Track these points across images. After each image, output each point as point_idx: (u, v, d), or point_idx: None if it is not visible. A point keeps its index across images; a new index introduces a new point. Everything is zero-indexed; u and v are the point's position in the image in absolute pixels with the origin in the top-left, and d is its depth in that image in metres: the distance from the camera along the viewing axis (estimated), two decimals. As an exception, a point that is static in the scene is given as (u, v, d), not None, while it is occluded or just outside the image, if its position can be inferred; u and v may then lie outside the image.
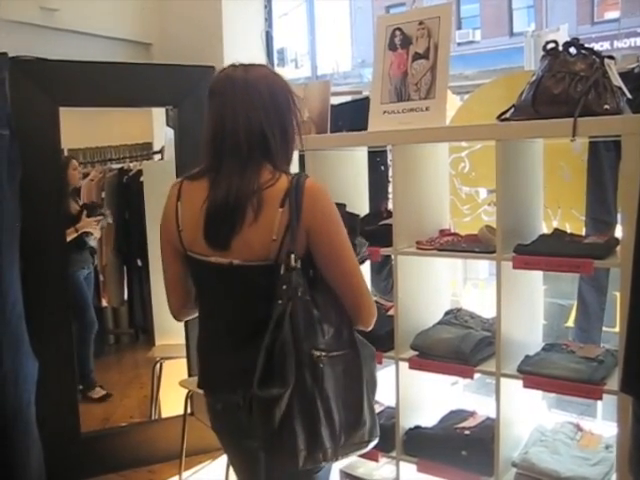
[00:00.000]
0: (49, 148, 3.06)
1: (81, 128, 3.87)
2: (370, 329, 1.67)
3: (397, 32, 2.47)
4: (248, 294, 1.62)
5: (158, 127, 4.42)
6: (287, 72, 3.59)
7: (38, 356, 2.62)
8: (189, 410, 3.20)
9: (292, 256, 1.54)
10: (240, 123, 1.58)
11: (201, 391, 1.76)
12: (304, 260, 1.57)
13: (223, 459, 3.31)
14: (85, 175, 4.57)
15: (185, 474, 3.26)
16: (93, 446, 3.25)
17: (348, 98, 3.28)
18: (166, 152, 3.98)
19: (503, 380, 2.17)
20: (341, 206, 1.84)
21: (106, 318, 4.90)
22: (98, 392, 3.75)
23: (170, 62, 3.42)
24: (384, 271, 2.99)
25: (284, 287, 1.54)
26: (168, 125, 3.75)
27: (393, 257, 2.39)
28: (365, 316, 1.64)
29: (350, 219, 1.79)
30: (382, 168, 3.07)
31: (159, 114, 4.34)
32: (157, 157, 4.48)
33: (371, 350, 1.69)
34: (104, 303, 4.60)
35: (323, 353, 1.53)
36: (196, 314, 1.79)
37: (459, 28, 13.79)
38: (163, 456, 3.34)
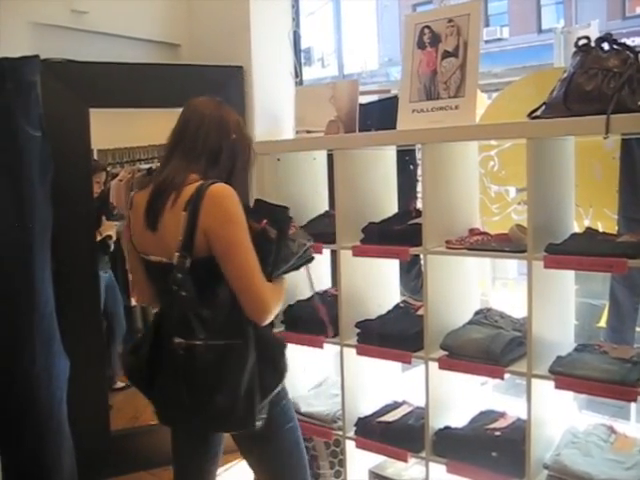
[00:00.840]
0: (79, 149, 3.08)
1: (110, 129, 3.88)
2: (263, 325, 1.80)
3: (426, 30, 2.46)
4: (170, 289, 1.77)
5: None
6: (313, 71, 3.59)
7: (69, 355, 2.65)
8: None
9: (176, 255, 1.73)
10: (200, 137, 1.85)
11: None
12: (207, 258, 1.74)
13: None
14: (114, 176, 4.62)
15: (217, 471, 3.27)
16: (123, 444, 3.28)
17: (374, 97, 3.27)
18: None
19: (534, 381, 2.15)
20: (272, 208, 1.97)
21: (135, 317, 4.95)
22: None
23: (198, 63, 3.43)
24: (413, 270, 2.97)
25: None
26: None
27: (423, 256, 2.37)
28: (254, 312, 1.76)
29: (280, 221, 1.87)
30: (411, 167, 3.05)
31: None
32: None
33: (279, 344, 1.89)
34: (133, 302, 4.64)
35: (193, 342, 1.71)
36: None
37: (487, 25, 13.67)
38: (192, 455, 3.36)
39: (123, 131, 4.45)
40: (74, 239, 3.01)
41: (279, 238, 1.83)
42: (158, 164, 3.93)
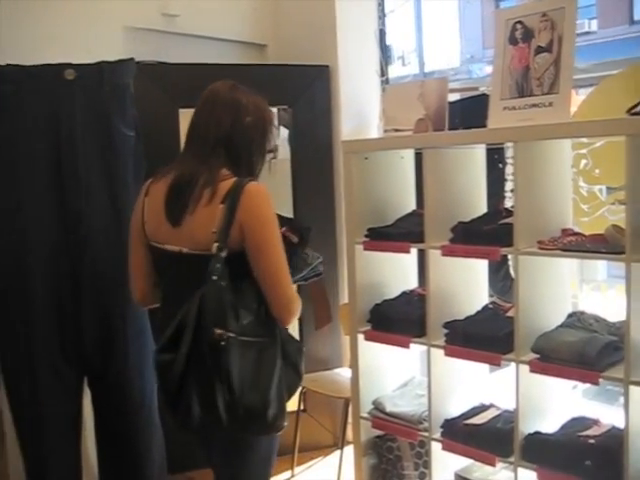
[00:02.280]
0: (170, 149, 3.15)
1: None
2: (287, 326, 1.82)
3: (518, 25, 2.40)
4: (193, 280, 1.75)
5: (269, 127, 4.50)
6: (394, 70, 3.57)
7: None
8: (302, 407, 3.24)
9: (215, 245, 1.73)
10: (212, 121, 1.85)
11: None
12: (239, 255, 1.76)
13: (335, 456, 3.34)
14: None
15: (297, 469, 3.31)
16: (209, 437, 3.34)
17: (456, 95, 3.22)
18: (280, 151, 4.04)
19: (632, 388, 2.06)
20: (290, 220, 1.98)
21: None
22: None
23: (284, 62, 3.47)
24: (501, 271, 2.91)
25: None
26: (282, 124, 3.81)
27: (512, 257, 2.32)
28: (280, 312, 1.78)
29: (301, 232, 1.89)
30: (500, 166, 2.99)
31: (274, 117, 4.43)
32: (268, 156, 4.56)
33: (298, 345, 1.86)
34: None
35: (230, 334, 1.68)
36: (157, 302, 2.00)
37: (574, 19, 13.22)
38: (276, 450, 3.40)
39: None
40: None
41: (300, 244, 1.87)
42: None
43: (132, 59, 2.61)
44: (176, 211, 1.81)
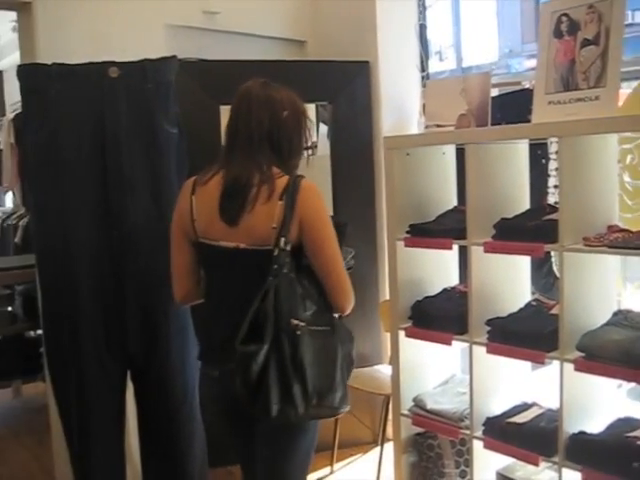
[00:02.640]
0: (210, 145, 3.17)
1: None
2: (346, 314, 1.90)
3: (563, 18, 2.36)
4: (249, 274, 1.85)
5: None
6: (431, 65, 3.55)
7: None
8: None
9: (282, 239, 1.80)
10: (252, 120, 1.89)
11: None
12: (296, 248, 1.84)
13: (374, 453, 3.33)
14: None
15: (336, 465, 3.31)
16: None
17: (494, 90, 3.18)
18: (320, 147, 4.03)
19: (681, 388, 2.02)
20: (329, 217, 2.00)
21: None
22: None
23: (324, 58, 3.47)
24: (544, 268, 2.87)
25: (275, 266, 1.79)
26: (322, 121, 3.80)
27: (554, 254, 2.29)
28: (341, 301, 1.88)
29: (338, 227, 1.93)
30: (543, 161, 2.94)
31: (309, 110, 4.42)
32: (306, 152, 4.55)
33: (349, 333, 1.91)
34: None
35: (302, 324, 1.77)
36: (199, 299, 2.04)
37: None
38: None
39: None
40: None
41: (338, 240, 1.90)
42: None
43: (174, 56, 2.62)
44: (233, 210, 1.86)
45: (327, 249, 1.86)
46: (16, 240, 5.42)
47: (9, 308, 4.47)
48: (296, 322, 1.76)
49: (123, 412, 2.61)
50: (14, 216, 5.71)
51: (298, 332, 1.76)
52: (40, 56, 2.75)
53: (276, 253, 1.80)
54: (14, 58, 6.85)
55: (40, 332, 4.35)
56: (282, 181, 1.85)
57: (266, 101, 1.93)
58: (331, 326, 1.84)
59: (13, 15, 4.44)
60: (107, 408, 2.54)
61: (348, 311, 1.91)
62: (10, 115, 6.13)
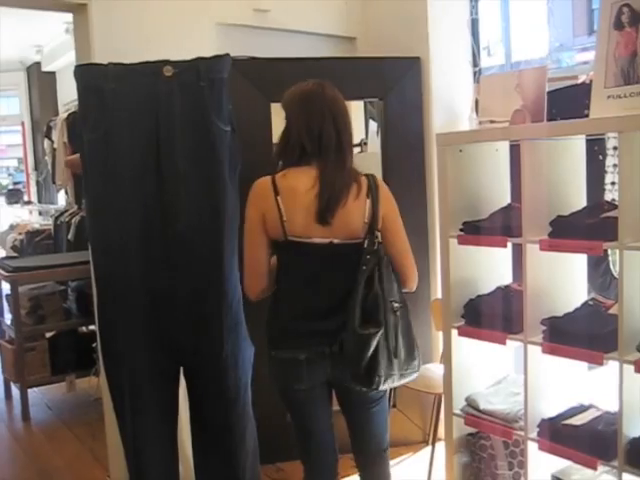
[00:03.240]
0: (262, 143, 3.20)
1: (283, 123, 4.02)
2: (412, 291, 2.21)
3: (624, 9, 2.30)
4: (342, 267, 2.09)
5: (356, 120, 4.48)
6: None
7: (252, 342, 2.75)
8: (392, 402, 3.22)
9: (377, 234, 2.09)
10: (337, 122, 2.11)
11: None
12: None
13: (425, 452, 3.31)
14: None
15: (387, 464, 3.29)
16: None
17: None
18: (369, 144, 4.01)
19: None
20: None
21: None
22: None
23: (375, 55, 3.45)
24: (601, 267, 2.80)
25: (368, 257, 2.05)
26: (371, 118, 3.78)
27: (613, 252, 2.23)
28: (412, 281, 2.19)
29: None
30: (600, 157, 2.87)
31: (357, 108, 4.40)
32: (356, 150, 4.54)
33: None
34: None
35: (398, 304, 2.06)
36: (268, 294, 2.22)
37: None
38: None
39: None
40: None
41: None
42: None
43: (227, 54, 2.63)
44: (330, 207, 2.05)
45: (402, 237, 2.17)
46: (69, 237, 5.54)
47: (63, 304, 4.58)
48: (395, 304, 2.05)
49: (176, 408, 2.64)
50: (67, 214, 5.85)
51: (397, 312, 2.05)
52: (95, 56, 2.80)
53: (367, 245, 2.06)
54: (67, 59, 7.01)
55: (93, 327, 4.46)
56: (364, 179, 2.12)
57: (336, 101, 2.16)
58: (405, 303, 2.11)
59: (66, 17, 4.56)
60: (160, 404, 2.57)
61: (414, 289, 2.21)
62: (63, 115, 6.28)
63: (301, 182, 2.08)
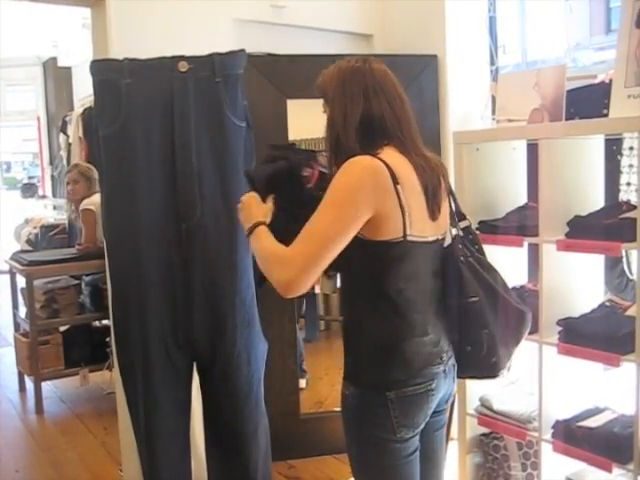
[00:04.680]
0: (278, 139, 3.19)
1: (299, 120, 4.01)
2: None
3: (646, 7, 2.27)
4: (436, 264, 1.75)
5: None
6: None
7: (265, 338, 2.75)
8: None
9: (462, 223, 1.85)
10: (406, 101, 1.76)
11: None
12: None
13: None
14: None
15: (399, 463, 3.28)
16: (311, 427, 3.38)
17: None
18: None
19: None
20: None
21: (317, 305, 5.06)
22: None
23: (391, 52, 3.43)
24: (618, 268, 2.78)
25: (456, 250, 1.78)
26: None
27: (631, 252, 2.21)
28: None
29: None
30: (618, 158, 2.85)
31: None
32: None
33: None
34: (316, 290, 4.75)
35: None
36: None
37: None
38: (377, 443, 3.38)
39: (309, 122, 4.56)
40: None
41: None
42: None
43: (243, 50, 2.63)
44: (436, 207, 1.72)
45: None
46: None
47: (77, 298, 4.60)
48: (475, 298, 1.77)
49: (189, 403, 2.64)
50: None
51: (477, 307, 1.77)
52: (113, 51, 2.80)
53: (453, 239, 1.81)
54: (83, 54, 7.03)
55: (106, 322, 4.47)
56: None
57: (387, 76, 1.77)
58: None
59: (83, 12, 4.57)
60: (173, 399, 2.57)
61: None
62: (79, 110, 6.30)
63: (406, 169, 1.66)
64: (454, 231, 1.81)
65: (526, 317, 1.84)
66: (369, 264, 1.67)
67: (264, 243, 1.73)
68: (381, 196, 1.59)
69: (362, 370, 1.72)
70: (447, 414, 1.92)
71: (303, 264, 1.59)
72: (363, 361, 1.72)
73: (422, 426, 1.72)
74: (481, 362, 1.80)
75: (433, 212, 1.70)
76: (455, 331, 1.77)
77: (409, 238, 1.63)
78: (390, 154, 1.65)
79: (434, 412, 1.76)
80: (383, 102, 1.69)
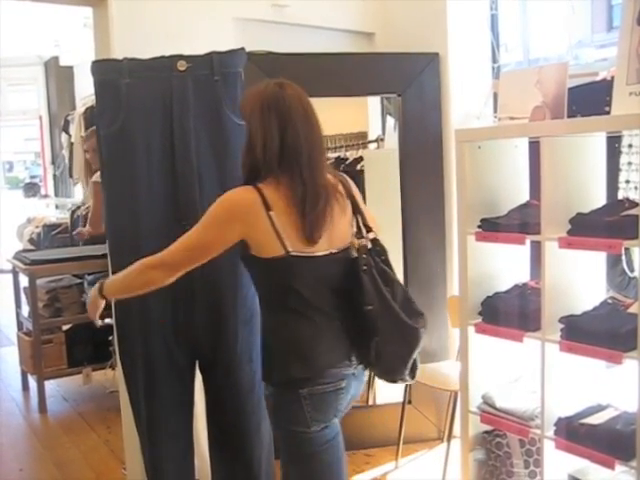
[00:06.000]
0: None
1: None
2: None
3: (648, 4, 2.27)
4: (343, 276, 1.92)
5: (373, 116, 4.47)
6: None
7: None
8: (407, 399, 3.23)
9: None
10: (314, 135, 1.89)
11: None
12: None
13: (440, 449, 3.30)
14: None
15: (402, 461, 3.29)
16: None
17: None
18: (387, 140, 4.00)
19: None
20: None
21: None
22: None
23: (393, 50, 3.43)
24: (620, 266, 2.78)
25: (364, 256, 1.93)
26: (388, 114, 3.77)
27: (636, 250, 2.21)
28: None
29: None
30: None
31: (374, 103, 4.39)
32: (372, 146, 4.53)
33: None
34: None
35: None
36: None
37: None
38: (380, 441, 3.40)
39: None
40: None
41: None
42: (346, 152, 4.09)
43: (242, 48, 2.63)
44: (317, 224, 1.89)
45: None
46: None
47: (80, 297, 4.60)
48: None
49: (191, 402, 2.64)
50: (83, 207, 5.87)
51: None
52: (115, 51, 2.80)
53: (357, 250, 1.95)
54: (85, 54, 7.04)
55: (109, 321, 4.48)
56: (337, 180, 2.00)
57: (301, 101, 1.98)
58: None
59: (84, 11, 4.57)
60: (175, 397, 2.58)
61: None
62: (81, 109, 6.31)
63: (282, 194, 1.85)
64: (364, 242, 1.92)
65: (417, 333, 1.90)
66: (266, 277, 1.93)
67: (117, 276, 2.14)
68: (252, 223, 1.84)
69: (273, 371, 1.94)
70: None
71: (171, 261, 1.98)
72: (274, 363, 1.94)
73: (337, 419, 1.95)
74: (374, 366, 1.95)
75: (312, 232, 1.83)
76: (355, 335, 1.91)
77: (293, 254, 1.83)
78: (270, 184, 1.85)
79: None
80: (288, 134, 1.84)
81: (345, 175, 2.02)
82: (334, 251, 1.89)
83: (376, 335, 1.87)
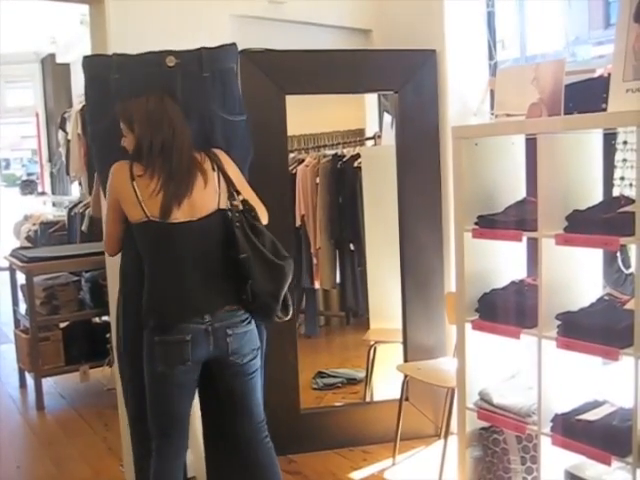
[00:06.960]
0: (276, 135, 3.20)
1: (297, 115, 4.02)
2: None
3: (645, 0, 2.27)
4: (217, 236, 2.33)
5: (370, 113, 4.47)
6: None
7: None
8: (404, 395, 3.23)
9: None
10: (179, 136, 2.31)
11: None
12: None
13: (437, 446, 3.31)
14: (300, 161, 4.75)
15: (399, 457, 3.30)
16: (312, 423, 3.39)
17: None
18: (384, 137, 4.01)
19: None
20: None
21: (317, 300, 5.08)
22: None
23: (390, 47, 3.43)
24: (616, 262, 2.78)
25: (237, 214, 2.33)
26: (385, 111, 3.77)
27: (632, 247, 2.21)
28: (264, 217, 2.47)
29: None
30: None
31: (371, 100, 4.39)
32: (369, 143, 4.54)
33: None
34: (316, 285, 4.76)
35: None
36: None
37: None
38: (377, 438, 3.41)
39: (309, 117, 4.58)
40: (270, 223, 3.12)
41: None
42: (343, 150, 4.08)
43: (234, 44, 2.62)
44: (177, 195, 2.30)
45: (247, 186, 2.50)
46: (82, 228, 5.57)
47: (77, 295, 4.60)
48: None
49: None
50: (80, 205, 5.87)
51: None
52: (111, 49, 2.79)
53: (229, 210, 2.34)
54: (81, 51, 7.02)
55: (106, 318, 4.48)
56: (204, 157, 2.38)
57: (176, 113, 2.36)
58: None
59: (81, 8, 4.56)
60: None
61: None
62: (77, 106, 6.29)
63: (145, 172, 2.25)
64: (235, 203, 2.30)
65: (283, 269, 2.29)
66: (137, 239, 2.32)
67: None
68: (120, 190, 2.27)
69: (145, 316, 2.32)
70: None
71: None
72: (146, 310, 2.32)
73: (185, 367, 2.26)
74: (251, 309, 2.32)
75: (171, 202, 2.21)
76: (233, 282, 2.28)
77: (152, 219, 2.23)
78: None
79: (236, 363, 2.32)
80: (162, 132, 2.26)
81: (217, 150, 2.40)
82: (194, 219, 2.25)
83: (250, 278, 2.24)
